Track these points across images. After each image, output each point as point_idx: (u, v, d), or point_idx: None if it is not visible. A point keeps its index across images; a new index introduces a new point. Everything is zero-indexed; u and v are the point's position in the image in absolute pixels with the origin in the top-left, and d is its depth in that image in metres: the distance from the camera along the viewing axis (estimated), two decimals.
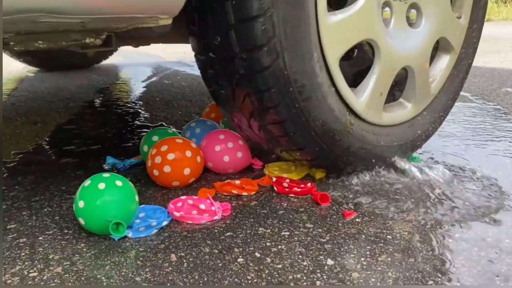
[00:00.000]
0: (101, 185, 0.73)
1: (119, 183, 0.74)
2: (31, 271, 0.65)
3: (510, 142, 1.24)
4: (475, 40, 1.11)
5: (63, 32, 0.78)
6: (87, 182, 0.74)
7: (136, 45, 1.00)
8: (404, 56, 0.94)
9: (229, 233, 0.75)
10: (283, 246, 0.71)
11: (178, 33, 0.93)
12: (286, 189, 0.90)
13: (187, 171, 0.91)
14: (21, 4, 0.61)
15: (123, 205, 0.73)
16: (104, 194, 0.72)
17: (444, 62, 1.07)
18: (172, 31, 0.89)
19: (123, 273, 0.64)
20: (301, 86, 0.82)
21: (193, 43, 0.90)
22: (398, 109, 1.00)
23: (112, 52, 2.71)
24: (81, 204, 0.72)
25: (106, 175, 0.75)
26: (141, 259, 0.68)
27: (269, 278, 0.63)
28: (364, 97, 0.91)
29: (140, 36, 0.94)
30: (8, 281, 0.63)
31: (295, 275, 0.64)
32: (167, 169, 0.90)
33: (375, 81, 0.91)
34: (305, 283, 0.62)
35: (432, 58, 1.04)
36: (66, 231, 0.77)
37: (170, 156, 0.91)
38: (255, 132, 0.93)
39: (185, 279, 0.63)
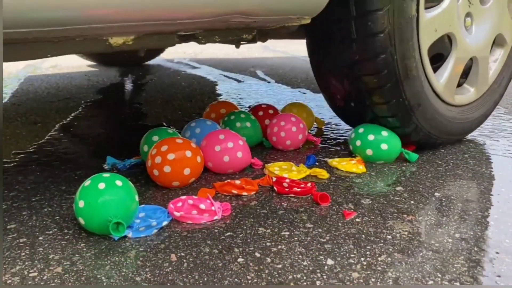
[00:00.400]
0: (101, 185, 0.73)
1: (119, 183, 0.74)
2: (31, 271, 0.65)
3: (510, 142, 1.24)
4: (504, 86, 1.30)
5: (232, 29, 0.97)
6: (87, 182, 0.74)
7: (264, 40, 1.16)
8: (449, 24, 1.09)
9: (229, 233, 0.75)
10: (283, 246, 0.71)
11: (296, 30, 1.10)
12: (286, 189, 0.90)
13: (187, 171, 0.91)
14: (229, 8, 0.80)
15: (123, 204, 0.73)
16: (104, 194, 0.72)
17: (469, 92, 1.20)
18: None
19: (123, 273, 0.64)
20: None
21: (308, 34, 1.13)
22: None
23: (161, 52, 2.93)
24: (81, 204, 0.72)
25: (106, 175, 0.75)
26: (141, 259, 0.68)
27: (269, 278, 0.63)
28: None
29: (275, 33, 1.09)
30: (8, 281, 0.63)
31: (295, 275, 0.64)
32: (167, 169, 0.90)
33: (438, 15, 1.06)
34: (305, 283, 0.62)
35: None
36: (66, 231, 0.77)
37: (170, 156, 0.91)
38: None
39: (185, 279, 0.63)
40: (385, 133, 1.05)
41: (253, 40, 1.06)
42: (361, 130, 1.07)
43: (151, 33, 0.88)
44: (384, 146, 1.04)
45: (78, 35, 0.77)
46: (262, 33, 1.09)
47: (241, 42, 1.08)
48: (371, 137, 1.05)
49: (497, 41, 1.23)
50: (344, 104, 1.15)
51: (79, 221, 0.74)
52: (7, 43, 0.74)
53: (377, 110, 1.07)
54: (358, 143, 1.07)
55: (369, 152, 1.05)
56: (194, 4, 0.76)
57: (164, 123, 1.49)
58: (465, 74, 1.20)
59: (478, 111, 1.23)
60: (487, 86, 1.24)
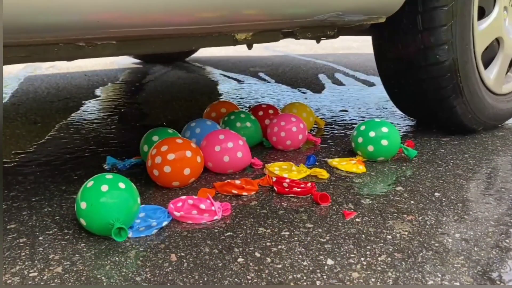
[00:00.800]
0: (104, 187, 0.72)
1: (122, 185, 0.74)
2: (31, 271, 0.65)
3: (510, 141, 1.24)
4: None
5: (321, 26, 1.09)
6: (89, 183, 0.74)
7: (337, 36, 1.27)
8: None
9: (229, 233, 0.75)
10: (283, 246, 0.71)
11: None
12: (286, 189, 0.90)
13: (187, 171, 0.91)
14: (332, 8, 0.95)
15: (125, 207, 0.73)
16: (106, 196, 0.72)
17: (489, 79, 1.29)
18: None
19: (123, 273, 0.65)
20: None
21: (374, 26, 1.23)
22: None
23: (195, 51, 3.13)
24: (83, 205, 0.72)
25: (109, 176, 0.75)
26: (141, 259, 0.68)
27: (269, 278, 0.63)
28: None
29: (349, 30, 1.20)
30: (8, 281, 0.63)
31: (295, 275, 0.64)
32: (167, 169, 0.90)
33: None
34: (305, 283, 0.62)
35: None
36: (66, 231, 0.77)
37: (170, 156, 0.91)
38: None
39: (185, 279, 0.63)
40: (385, 129, 1.06)
41: (333, 36, 1.18)
42: (362, 127, 1.08)
43: (264, 30, 1.03)
44: (384, 142, 1.05)
45: (215, 32, 0.94)
46: (339, 30, 1.20)
47: (322, 38, 1.21)
48: (372, 133, 1.06)
49: None
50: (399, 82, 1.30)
51: (81, 222, 0.74)
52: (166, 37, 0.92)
53: (428, 39, 1.15)
54: (360, 140, 1.07)
55: (370, 148, 1.06)
56: (312, 6, 0.93)
57: (164, 123, 1.49)
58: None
59: (496, 102, 1.31)
60: (501, 90, 1.33)
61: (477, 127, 1.29)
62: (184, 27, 0.82)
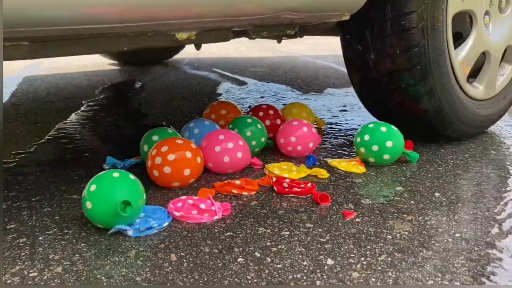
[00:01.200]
0: (116, 174, 0.76)
1: (132, 176, 0.78)
2: (31, 271, 0.65)
3: (510, 141, 1.24)
4: None
5: (278, 25, 1.05)
6: (101, 172, 0.77)
7: (302, 36, 1.24)
8: None
9: (229, 233, 0.75)
10: (283, 246, 0.71)
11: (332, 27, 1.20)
12: (286, 189, 0.90)
13: (187, 171, 0.91)
14: (282, 5, 0.88)
15: (133, 193, 0.74)
16: (117, 179, 0.75)
17: (478, 89, 1.25)
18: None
19: (123, 273, 0.65)
20: None
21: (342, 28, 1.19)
22: None
23: (179, 49, 3.02)
24: (92, 188, 0.74)
25: (119, 171, 0.79)
26: (141, 259, 0.68)
27: (269, 278, 0.63)
28: None
29: (314, 29, 1.16)
30: (8, 281, 0.63)
31: (295, 275, 0.64)
32: (167, 169, 0.90)
33: None
34: (305, 283, 0.62)
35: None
36: (66, 231, 0.77)
37: (170, 157, 0.91)
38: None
39: (185, 279, 0.63)
40: (389, 143, 1.02)
41: (294, 36, 1.14)
42: (366, 137, 1.04)
43: (210, 29, 0.97)
44: (386, 157, 1.03)
45: (151, 30, 0.87)
46: (302, 29, 1.16)
47: (283, 37, 1.17)
48: (375, 147, 1.02)
49: (506, 57, 1.31)
50: (370, 83, 1.21)
51: (86, 206, 0.74)
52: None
53: (398, 62, 1.09)
54: (362, 150, 1.04)
55: (371, 160, 1.05)
56: (255, 3, 0.87)
57: (164, 123, 1.49)
58: (475, 74, 1.26)
59: (485, 109, 1.27)
60: (494, 93, 1.30)
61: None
62: (114, 25, 0.74)
